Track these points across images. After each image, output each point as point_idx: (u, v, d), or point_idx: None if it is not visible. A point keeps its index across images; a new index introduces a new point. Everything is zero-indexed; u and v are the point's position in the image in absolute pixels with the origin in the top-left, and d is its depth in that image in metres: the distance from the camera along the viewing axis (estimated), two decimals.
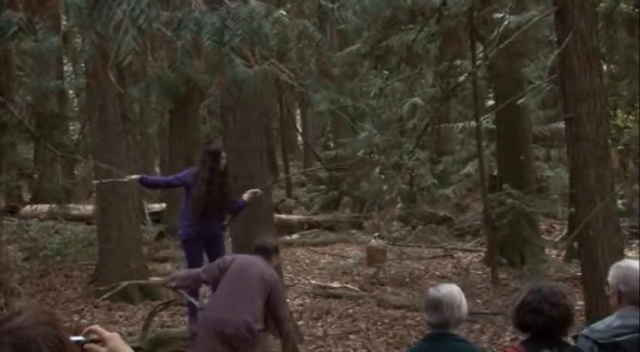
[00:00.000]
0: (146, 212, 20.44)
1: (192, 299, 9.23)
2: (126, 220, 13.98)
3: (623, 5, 14.77)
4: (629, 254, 14.78)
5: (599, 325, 4.62)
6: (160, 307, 11.26)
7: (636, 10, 13.93)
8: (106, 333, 2.61)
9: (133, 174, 10.33)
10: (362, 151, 20.32)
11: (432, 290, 5.03)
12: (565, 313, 4.43)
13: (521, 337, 4.59)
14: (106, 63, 8.84)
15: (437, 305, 4.90)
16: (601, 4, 13.97)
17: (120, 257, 13.73)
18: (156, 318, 11.47)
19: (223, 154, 9.46)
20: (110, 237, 13.85)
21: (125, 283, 11.03)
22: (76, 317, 12.62)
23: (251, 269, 7.52)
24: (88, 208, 20.97)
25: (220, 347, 7.33)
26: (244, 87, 10.23)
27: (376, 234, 16.93)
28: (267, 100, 21.23)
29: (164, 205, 20.94)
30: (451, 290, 5.00)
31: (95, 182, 13.08)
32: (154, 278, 9.10)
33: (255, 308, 7.37)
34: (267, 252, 7.76)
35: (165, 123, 23.73)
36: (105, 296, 11.28)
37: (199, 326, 7.80)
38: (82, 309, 13.21)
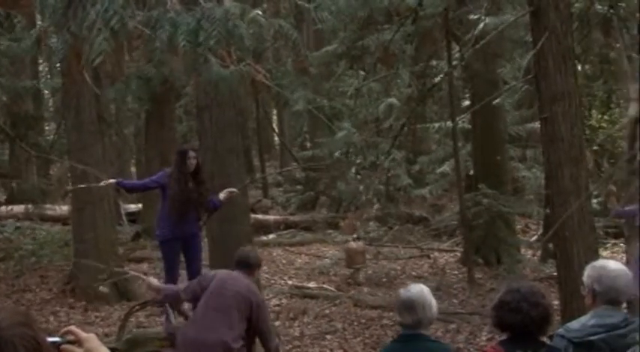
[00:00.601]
0: (122, 212, 20.34)
1: (171, 314, 9.24)
2: (101, 221, 13.92)
3: (597, 6, 14.85)
4: (604, 254, 14.89)
5: (574, 324, 4.64)
6: (136, 308, 11.21)
7: (611, 10, 14.02)
8: (83, 334, 2.59)
9: (108, 174, 10.31)
10: (339, 152, 20.32)
11: (402, 291, 5.04)
12: (544, 313, 4.46)
13: (499, 337, 4.61)
14: (79, 63, 8.81)
15: (410, 306, 4.91)
16: (576, 5, 14.04)
17: (95, 257, 13.65)
18: (132, 319, 11.42)
19: (191, 153, 9.42)
20: (86, 238, 13.78)
21: (129, 273, 10.95)
22: (51, 318, 12.55)
23: (231, 286, 7.36)
24: (64, 209, 20.84)
25: None
26: (220, 87, 10.21)
27: (355, 236, 16.94)
28: (244, 100, 21.20)
29: (140, 205, 20.86)
30: (422, 290, 5.01)
31: (71, 188, 13.00)
32: (150, 279, 8.97)
33: (235, 327, 7.26)
34: (249, 267, 7.57)
35: (142, 123, 23.64)
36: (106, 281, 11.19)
37: (179, 346, 7.71)
38: (58, 310, 13.14)
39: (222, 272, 7.76)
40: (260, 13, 11.70)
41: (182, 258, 9.60)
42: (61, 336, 2.57)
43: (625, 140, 13.83)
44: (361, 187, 19.48)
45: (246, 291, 7.34)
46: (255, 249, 7.92)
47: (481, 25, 13.31)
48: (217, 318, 7.28)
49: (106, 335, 11.19)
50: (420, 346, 4.90)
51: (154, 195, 10.70)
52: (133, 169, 27.55)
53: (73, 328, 2.60)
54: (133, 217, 20.88)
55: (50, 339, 2.49)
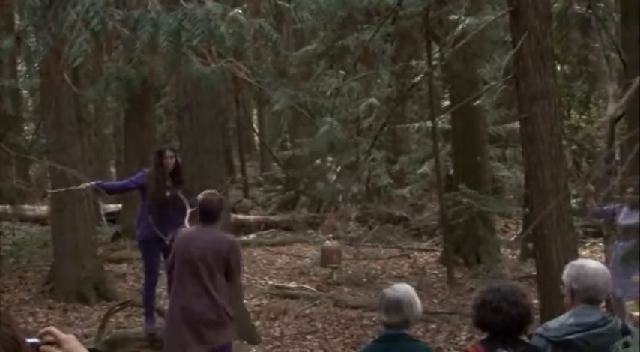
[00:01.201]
0: (102, 213, 20.29)
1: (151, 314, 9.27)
2: (81, 221, 13.86)
3: (576, 6, 14.92)
4: (583, 253, 14.96)
5: (553, 323, 4.67)
6: (116, 308, 11.19)
7: (589, 11, 14.08)
8: (62, 335, 2.59)
9: (87, 174, 10.26)
10: (320, 159, 20.33)
11: (389, 291, 5.03)
12: (524, 312, 4.48)
13: (478, 336, 4.62)
14: (58, 63, 8.77)
15: (398, 306, 4.91)
16: (555, 5, 14.11)
17: (75, 258, 13.61)
18: (112, 319, 11.39)
19: (168, 153, 9.40)
20: (65, 238, 13.72)
21: None
22: (30, 319, 12.49)
23: (195, 247, 7.35)
24: (43, 209, 20.74)
25: (190, 334, 7.31)
26: (201, 85, 10.19)
27: (330, 235, 16.94)
28: (224, 100, 21.17)
29: (120, 206, 20.78)
30: (408, 290, 5.02)
31: (51, 191, 12.93)
32: None
33: (211, 286, 7.27)
34: (212, 217, 7.44)
35: (121, 123, 23.55)
36: None
37: (170, 320, 7.68)
38: (37, 311, 13.08)
39: (184, 234, 7.62)
40: (240, 12, 11.67)
41: (162, 259, 9.57)
42: (39, 337, 2.56)
43: (603, 139, 13.89)
44: (341, 187, 19.47)
45: (212, 246, 7.29)
46: (216, 194, 7.67)
47: (461, 26, 13.35)
48: (193, 284, 7.34)
49: (86, 335, 11.14)
50: (402, 346, 4.90)
51: (133, 196, 10.68)
52: (113, 169, 27.42)
53: (52, 329, 2.59)
54: (112, 217, 20.81)
55: (29, 340, 2.48)
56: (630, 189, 10.62)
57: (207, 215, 7.39)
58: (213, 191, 7.69)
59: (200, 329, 7.31)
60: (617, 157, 11.96)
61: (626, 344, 3.99)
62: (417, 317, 5.01)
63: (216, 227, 7.44)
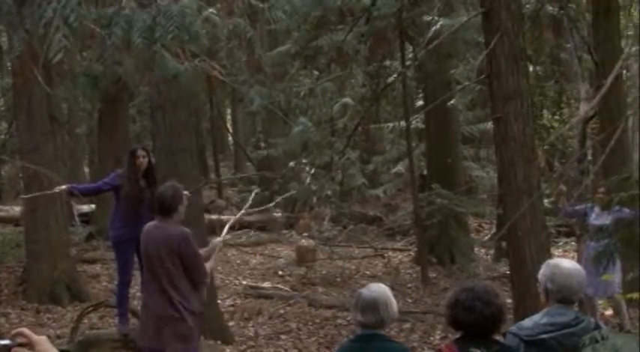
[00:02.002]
0: (75, 213, 20.15)
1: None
2: (54, 222, 13.77)
3: (548, 7, 15.02)
4: (556, 252, 15.05)
5: (527, 322, 4.68)
6: (89, 309, 11.12)
7: (561, 11, 14.17)
8: (34, 336, 2.57)
9: (60, 174, 10.17)
10: (294, 162, 20.33)
11: (365, 291, 5.01)
12: (497, 312, 4.49)
13: (452, 336, 4.63)
14: (35, 62, 8.72)
15: (374, 306, 4.90)
16: (527, 6, 14.19)
17: (48, 259, 13.52)
18: (85, 320, 11.32)
19: (141, 152, 9.35)
20: (38, 239, 13.64)
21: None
22: (2, 320, 12.40)
23: (152, 244, 7.27)
24: (16, 210, 20.61)
25: (152, 332, 7.30)
26: (175, 84, 10.15)
27: (305, 234, 16.96)
28: (198, 99, 21.13)
29: (94, 206, 20.67)
30: (384, 290, 5.01)
31: (26, 196, 12.83)
32: None
33: (171, 286, 7.23)
34: (167, 210, 7.31)
35: (94, 123, 23.44)
36: None
37: (142, 319, 7.66)
38: (9, 312, 12.99)
39: (144, 231, 7.52)
40: (214, 11, 11.64)
41: (136, 259, 9.52)
42: (11, 338, 2.54)
43: (575, 139, 13.98)
44: (315, 187, 19.48)
45: (165, 242, 7.17)
46: (173, 186, 7.54)
47: (434, 27, 13.39)
48: (151, 281, 7.34)
49: (59, 337, 11.08)
50: (378, 346, 4.89)
51: (107, 196, 10.62)
52: (86, 169, 27.30)
53: (24, 330, 2.57)
54: (85, 218, 20.69)
55: (0, 342, 2.46)
56: (602, 189, 10.70)
57: (161, 208, 7.33)
58: (171, 183, 7.59)
59: (159, 327, 7.28)
60: (589, 157, 12.05)
61: (595, 340, 4.01)
62: (392, 318, 5.00)
63: (174, 220, 7.33)
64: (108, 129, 20.06)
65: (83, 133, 27.30)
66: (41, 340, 2.57)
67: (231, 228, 19.42)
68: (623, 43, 13.90)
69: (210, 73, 10.59)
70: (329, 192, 20.66)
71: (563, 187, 12.69)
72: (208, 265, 7.65)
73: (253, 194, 10.46)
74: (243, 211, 9.64)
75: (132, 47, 8.51)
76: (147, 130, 22.78)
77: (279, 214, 23.11)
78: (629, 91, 22.34)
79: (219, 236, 8.54)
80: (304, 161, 20.77)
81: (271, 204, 12.63)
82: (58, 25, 7.31)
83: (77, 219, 20.15)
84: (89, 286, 14.47)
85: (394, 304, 4.99)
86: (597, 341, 3.87)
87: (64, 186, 9.52)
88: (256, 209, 11.44)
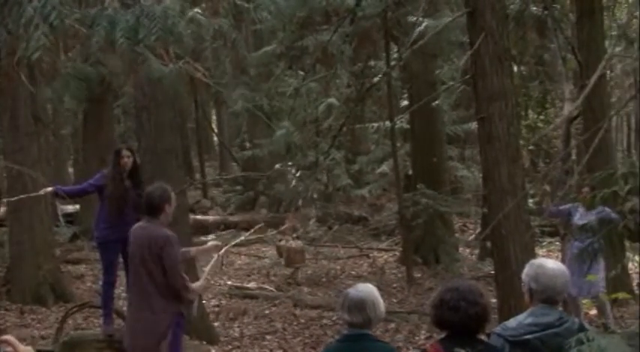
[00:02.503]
0: (59, 213, 20.09)
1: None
2: (38, 222, 13.73)
3: (532, 8, 15.06)
4: (540, 252, 15.09)
5: (511, 323, 4.69)
6: (74, 309, 11.07)
7: (545, 12, 14.22)
8: (21, 347, 2.56)
9: (45, 175, 10.12)
10: (280, 164, 20.33)
11: (352, 291, 5.01)
12: (482, 311, 4.50)
13: (437, 335, 4.63)
14: (18, 62, 8.69)
15: (361, 306, 4.90)
16: (511, 6, 14.23)
17: (32, 259, 13.48)
18: (69, 321, 11.28)
19: (125, 152, 9.33)
20: (22, 239, 13.59)
21: None
22: None
23: (137, 246, 7.26)
24: (0, 210, 20.53)
25: (133, 332, 7.32)
26: (159, 85, 10.13)
27: (294, 235, 16.96)
28: (183, 100, 21.10)
29: (78, 207, 20.62)
30: (371, 290, 5.01)
31: (11, 199, 12.77)
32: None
33: (156, 285, 7.22)
34: (154, 209, 7.29)
35: (79, 123, 23.38)
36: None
37: (127, 313, 7.68)
38: None
39: (132, 231, 7.52)
40: (199, 11, 11.64)
41: (120, 260, 9.50)
42: None
43: (560, 139, 14.04)
44: (300, 187, 19.49)
45: (148, 243, 7.15)
46: (161, 186, 7.51)
47: (420, 27, 13.40)
48: (134, 281, 7.37)
49: (43, 337, 11.04)
50: (365, 346, 4.89)
51: (91, 196, 10.58)
52: (71, 170, 27.21)
53: (10, 339, 2.56)
54: (70, 218, 20.64)
55: None
56: (586, 189, 10.73)
57: (148, 207, 7.32)
58: (160, 184, 7.58)
59: (142, 327, 7.29)
60: (573, 157, 12.09)
61: (580, 341, 4.02)
62: (379, 318, 5.00)
63: (160, 221, 7.32)
64: (92, 129, 20.02)
65: (68, 133, 27.24)
66: (27, 351, 2.56)
67: (217, 229, 19.37)
68: (606, 43, 13.96)
69: (194, 75, 10.57)
70: (315, 194, 20.68)
71: (547, 188, 12.73)
72: (198, 284, 7.68)
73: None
74: (242, 238, 9.60)
75: (116, 48, 8.48)
76: (131, 131, 22.73)
77: (264, 214, 23.15)
78: (612, 91, 22.47)
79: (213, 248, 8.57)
80: (290, 164, 20.78)
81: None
82: (37, 23, 7.29)
83: (61, 219, 20.09)
84: (74, 286, 14.44)
85: (381, 304, 5.00)
86: (583, 343, 3.88)
87: (49, 188, 9.50)
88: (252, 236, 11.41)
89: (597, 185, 9.35)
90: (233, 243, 9.64)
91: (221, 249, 8.53)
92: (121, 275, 9.61)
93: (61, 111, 24.69)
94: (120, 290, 10.63)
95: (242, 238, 9.71)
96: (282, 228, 19.68)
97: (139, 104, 11.30)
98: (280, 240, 17.34)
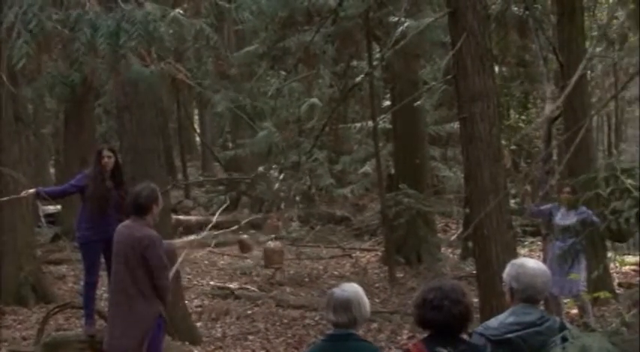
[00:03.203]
0: (41, 214, 20.00)
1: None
2: (20, 223, 13.67)
3: (514, 8, 15.10)
4: (522, 252, 15.14)
5: (493, 322, 4.71)
6: (55, 310, 11.03)
7: (526, 12, 14.26)
8: None
9: (26, 175, 10.06)
10: (263, 167, 20.34)
11: (337, 291, 5.01)
12: (465, 311, 4.51)
13: (420, 335, 4.64)
14: None
15: (346, 306, 4.90)
16: (493, 7, 14.27)
17: (13, 260, 13.43)
18: (51, 322, 11.24)
19: (106, 152, 9.30)
20: (3, 240, 13.53)
21: None
22: None
23: (121, 247, 7.25)
24: None
25: (119, 330, 7.32)
26: (141, 86, 10.11)
27: (273, 235, 16.96)
28: (164, 100, 21.05)
29: (59, 207, 20.56)
30: (357, 290, 5.01)
31: None
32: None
33: (139, 286, 7.21)
34: (141, 209, 7.29)
35: (60, 123, 23.30)
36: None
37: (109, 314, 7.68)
38: None
39: (116, 232, 7.47)
40: (181, 12, 11.61)
41: (102, 260, 9.47)
42: None
43: (541, 139, 14.08)
44: (283, 187, 19.49)
45: (131, 243, 7.16)
46: (149, 186, 7.51)
47: (402, 27, 13.42)
48: (116, 281, 7.35)
49: (24, 338, 11.01)
50: (351, 345, 4.90)
51: (73, 196, 10.54)
52: (52, 170, 27.12)
53: None
54: (51, 219, 20.56)
55: None
56: (567, 189, 10.78)
57: (135, 207, 7.31)
58: (147, 183, 7.57)
59: (124, 327, 7.29)
60: (554, 157, 12.12)
61: (564, 339, 4.05)
62: (365, 318, 5.01)
63: (146, 221, 7.31)
64: (74, 129, 19.95)
65: (49, 134, 27.12)
66: None
67: (199, 229, 19.34)
68: (587, 43, 14.03)
69: (176, 76, 10.55)
70: (297, 194, 20.68)
71: (529, 188, 12.77)
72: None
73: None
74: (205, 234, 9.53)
75: (97, 51, 8.47)
76: (113, 130, 22.67)
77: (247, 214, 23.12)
78: (593, 92, 22.56)
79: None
80: (274, 166, 20.79)
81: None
82: (19, 30, 7.28)
83: (43, 219, 20.00)
84: (55, 287, 14.38)
85: (367, 304, 5.00)
86: (567, 341, 3.91)
87: (31, 190, 9.45)
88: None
89: (580, 187, 9.40)
90: (200, 236, 9.58)
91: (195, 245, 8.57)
92: (103, 275, 9.59)
93: (42, 111, 24.61)
94: (102, 290, 10.60)
95: (205, 234, 9.63)
96: (264, 228, 19.72)
97: (120, 104, 11.27)
98: (265, 242, 17.34)
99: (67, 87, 15.85)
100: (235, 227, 12.10)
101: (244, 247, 18.99)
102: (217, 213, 10.42)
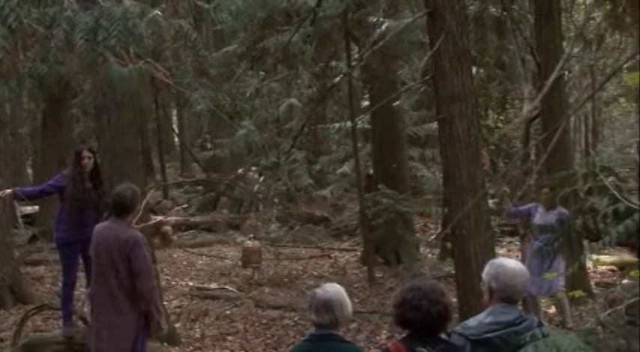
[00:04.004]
0: (18, 215, 19.92)
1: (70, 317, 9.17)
2: None
3: (492, 9, 15.16)
4: (500, 251, 15.20)
5: (471, 322, 4.72)
6: (33, 311, 10.98)
7: (504, 13, 14.31)
8: None
9: (3, 176, 10.00)
10: (243, 168, 20.29)
11: (319, 291, 5.01)
12: (444, 310, 4.53)
13: (399, 335, 4.65)
14: None
15: (328, 306, 4.90)
16: (471, 7, 14.31)
17: None
18: (29, 323, 11.19)
19: (86, 153, 9.27)
20: None
21: None
22: None
23: (103, 248, 7.24)
24: None
25: (104, 332, 7.29)
26: (119, 86, 10.08)
27: (251, 235, 16.94)
28: (143, 100, 20.98)
29: (37, 208, 20.46)
30: (339, 290, 5.02)
31: None
32: None
33: (124, 289, 7.20)
34: (125, 209, 7.33)
35: (38, 123, 23.19)
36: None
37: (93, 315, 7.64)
38: None
39: (96, 231, 7.47)
40: (159, 13, 11.58)
41: (80, 261, 9.43)
42: None
43: (519, 139, 14.13)
44: (262, 188, 19.47)
45: (117, 244, 7.17)
46: (132, 186, 7.52)
47: (380, 27, 13.44)
48: (101, 283, 7.32)
49: (2, 339, 10.96)
50: (332, 346, 4.90)
51: (50, 197, 10.49)
52: (30, 170, 26.96)
53: None
54: (29, 219, 20.47)
55: None
56: (545, 190, 10.83)
57: (119, 208, 7.29)
58: (128, 184, 7.57)
59: (109, 329, 7.26)
60: (532, 157, 12.16)
61: (536, 337, 4.06)
62: (347, 318, 5.01)
63: (127, 222, 7.31)
64: (51, 129, 19.87)
65: (26, 134, 26.97)
66: None
67: (178, 229, 19.30)
68: (564, 44, 14.09)
69: (155, 75, 10.52)
70: (276, 195, 20.66)
71: (507, 189, 12.80)
72: None
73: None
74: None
75: (75, 48, 8.43)
76: (90, 130, 22.57)
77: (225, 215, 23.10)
78: (570, 92, 22.66)
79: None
80: (253, 168, 20.76)
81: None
82: None
83: (20, 220, 19.92)
84: (33, 288, 14.30)
85: (349, 304, 5.01)
86: (539, 338, 3.92)
87: (8, 190, 9.39)
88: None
89: (557, 185, 9.44)
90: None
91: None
92: (81, 276, 9.55)
93: (20, 111, 24.47)
94: (79, 291, 10.56)
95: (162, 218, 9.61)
96: (243, 228, 19.69)
97: (98, 104, 11.23)
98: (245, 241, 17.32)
99: (43, 86, 15.75)
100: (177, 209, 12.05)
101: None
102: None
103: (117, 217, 7.29)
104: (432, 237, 19.32)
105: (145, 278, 7.20)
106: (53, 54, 8.78)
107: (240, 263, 16.60)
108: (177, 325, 12.08)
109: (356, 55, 16.23)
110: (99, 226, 7.49)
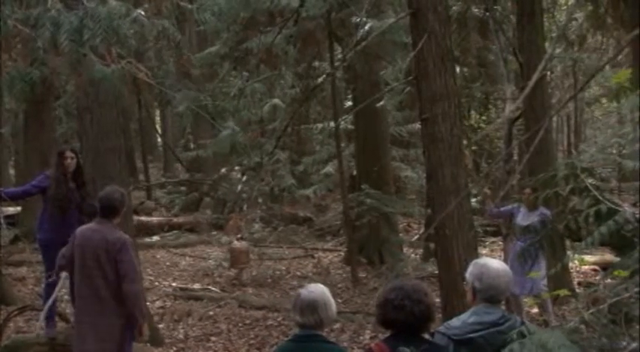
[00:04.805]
0: (0, 215, 19.80)
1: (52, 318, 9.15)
2: None
3: (474, 9, 15.21)
4: (483, 251, 15.24)
5: (455, 322, 4.74)
6: (15, 312, 10.94)
7: (487, 13, 14.36)
8: None
9: None
10: (226, 168, 20.26)
11: (304, 292, 5.01)
12: (427, 310, 4.55)
13: (382, 335, 4.67)
14: None
15: (313, 307, 4.91)
16: (454, 8, 14.35)
17: None
18: (11, 324, 11.14)
19: (69, 153, 9.24)
20: None
21: None
22: None
23: (89, 249, 7.23)
24: None
25: (89, 334, 7.27)
26: (102, 86, 10.05)
27: (238, 236, 16.91)
28: (126, 100, 20.94)
29: (19, 208, 20.35)
30: (323, 291, 5.02)
31: None
32: None
33: (111, 290, 7.19)
34: (113, 211, 7.33)
35: (20, 123, 23.07)
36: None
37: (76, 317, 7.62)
38: None
39: (80, 233, 7.46)
40: (142, 13, 11.55)
41: None
42: None
43: (502, 140, 14.17)
44: (245, 188, 19.46)
45: (105, 246, 7.18)
46: (119, 189, 7.52)
47: (364, 28, 13.46)
48: (87, 286, 7.30)
49: None
50: (316, 346, 4.90)
51: (33, 198, 10.44)
52: (12, 171, 26.85)
53: None
54: (11, 220, 20.34)
55: None
56: (528, 190, 10.86)
57: (107, 210, 7.28)
58: (114, 187, 7.56)
59: (94, 331, 7.24)
60: (515, 157, 12.19)
61: (522, 335, 4.08)
62: (331, 319, 5.02)
63: (112, 224, 7.31)
64: (34, 130, 19.77)
65: (8, 134, 26.85)
66: None
67: (161, 230, 19.21)
68: (546, 44, 14.15)
69: (137, 76, 10.50)
70: (259, 195, 20.67)
71: (488, 191, 12.83)
72: None
73: None
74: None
75: (59, 49, 8.41)
76: (73, 131, 22.50)
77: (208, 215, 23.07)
78: (553, 92, 22.76)
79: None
80: (237, 168, 20.73)
81: None
82: None
83: (2, 221, 19.78)
84: (15, 289, 14.23)
85: (333, 305, 5.02)
86: (524, 336, 3.94)
87: None
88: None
89: (539, 186, 9.48)
90: None
91: None
92: (62, 277, 9.51)
93: (1, 111, 24.35)
94: (62, 292, 10.52)
95: None
96: (226, 228, 19.66)
97: (81, 105, 11.19)
98: (230, 242, 17.30)
99: (26, 86, 15.68)
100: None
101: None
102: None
103: (103, 219, 7.27)
104: (416, 237, 19.35)
105: (132, 280, 7.20)
106: (38, 55, 8.76)
107: (224, 263, 16.58)
108: (160, 326, 12.06)
109: (339, 56, 16.25)
110: (83, 228, 7.46)
